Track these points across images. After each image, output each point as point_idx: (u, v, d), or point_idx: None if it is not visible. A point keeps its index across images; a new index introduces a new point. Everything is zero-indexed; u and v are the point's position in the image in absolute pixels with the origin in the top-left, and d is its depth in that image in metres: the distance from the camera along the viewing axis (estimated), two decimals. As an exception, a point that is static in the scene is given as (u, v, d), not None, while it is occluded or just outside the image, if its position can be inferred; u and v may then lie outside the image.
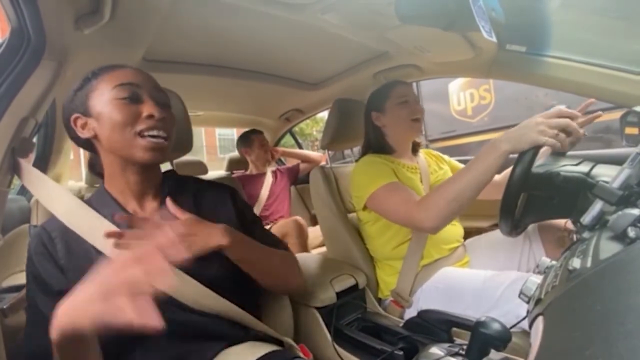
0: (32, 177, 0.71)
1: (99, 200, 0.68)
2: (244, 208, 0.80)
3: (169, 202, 0.64)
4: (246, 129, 2.22)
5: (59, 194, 0.66)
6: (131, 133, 0.60)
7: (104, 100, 0.61)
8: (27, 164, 0.73)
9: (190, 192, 0.74)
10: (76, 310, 0.41)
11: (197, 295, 0.63)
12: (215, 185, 0.79)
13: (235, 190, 0.80)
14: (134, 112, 0.61)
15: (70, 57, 0.88)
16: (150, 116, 0.60)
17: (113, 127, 0.60)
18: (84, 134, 0.64)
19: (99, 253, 0.60)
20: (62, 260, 0.59)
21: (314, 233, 2.01)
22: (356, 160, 1.21)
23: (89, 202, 0.67)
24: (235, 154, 2.27)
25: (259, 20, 0.95)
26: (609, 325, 0.23)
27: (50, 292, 0.58)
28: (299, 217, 1.89)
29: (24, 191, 1.75)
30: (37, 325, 0.57)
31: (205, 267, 0.66)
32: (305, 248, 1.82)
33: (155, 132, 0.61)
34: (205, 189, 0.77)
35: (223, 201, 0.76)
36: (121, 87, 0.61)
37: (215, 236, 0.62)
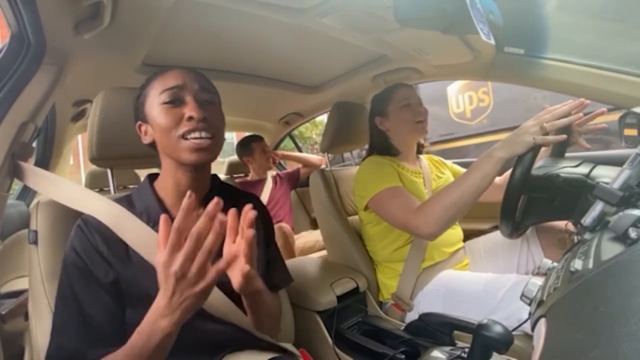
0: (43, 179, 0.71)
1: (139, 194, 0.69)
2: (271, 233, 0.82)
3: (248, 215, 0.56)
4: (246, 133, 2.22)
5: (85, 194, 0.67)
6: (175, 136, 0.61)
7: (154, 106, 0.64)
8: (34, 168, 0.73)
9: (230, 201, 0.73)
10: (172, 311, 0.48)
11: (217, 302, 0.63)
12: (252, 198, 0.81)
13: (267, 210, 0.82)
14: (177, 115, 0.62)
15: (70, 61, 0.88)
16: (190, 118, 0.61)
17: (161, 132, 0.63)
18: (146, 140, 0.67)
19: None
20: (105, 252, 0.60)
21: (315, 237, 2.00)
22: (362, 160, 1.21)
23: (129, 196, 0.69)
24: (235, 157, 2.27)
25: (258, 24, 0.95)
26: (613, 327, 0.23)
27: (99, 284, 0.58)
28: (284, 225, 1.89)
29: (23, 196, 1.75)
30: (72, 318, 0.57)
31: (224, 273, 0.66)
32: (291, 254, 1.82)
33: (197, 134, 0.61)
34: (243, 201, 0.76)
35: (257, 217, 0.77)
36: (166, 92, 0.63)
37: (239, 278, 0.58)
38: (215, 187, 0.73)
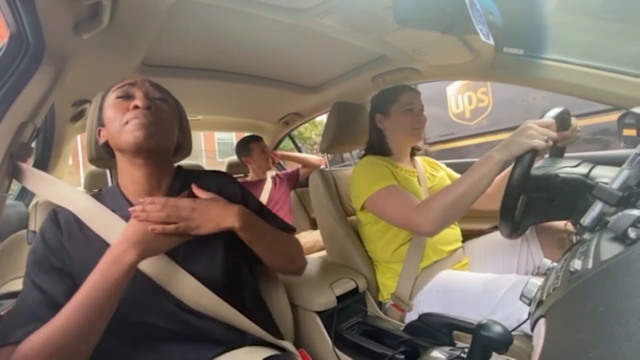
0: (39, 180, 0.72)
1: (109, 195, 0.72)
2: (247, 195, 0.83)
3: (194, 187, 0.70)
4: (245, 134, 2.22)
5: (70, 192, 0.69)
6: (121, 124, 0.64)
7: (108, 105, 0.68)
8: (31, 168, 0.73)
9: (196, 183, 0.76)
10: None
11: (197, 295, 0.64)
12: (219, 173, 0.84)
13: (236, 180, 0.84)
14: (124, 106, 0.66)
15: (70, 62, 0.88)
16: (136, 106, 0.64)
17: (110, 124, 0.67)
18: (101, 140, 0.72)
19: (106, 244, 0.62)
20: (66, 245, 0.63)
21: (315, 237, 2.00)
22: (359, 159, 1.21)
23: (100, 196, 0.71)
24: (234, 158, 2.27)
25: (258, 25, 0.95)
26: (612, 327, 0.23)
27: (52, 269, 0.60)
28: None
29: (22, 196, 1.74)
30: (31, 291, 0.58)
31: (207, 268, 0.67)
32: None
33: (137, 120, 0.63)
34: (211, 178, 0.80)
35: (229, 188, 0.79)
36: (118, 89, 0.68)
37: (229, 217, 0.65)
38: (178, 181, 0.73)
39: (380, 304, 1.16)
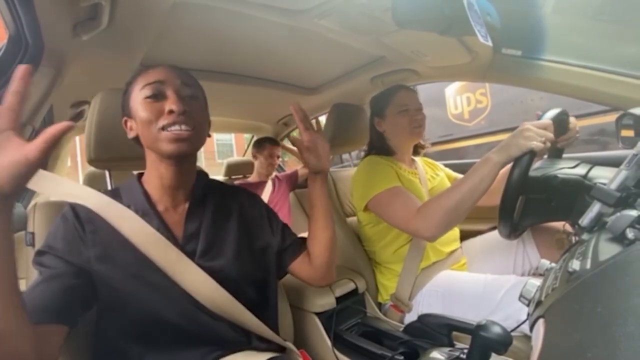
0: (44, 180, 0.70)
1: (126, 188, 0.70)
2: (272, 213, 0.84)
3: None
4: (245, 135, 2.24)
5: (79, 190, 0.68)
6: (156, 129, 0.63)
7: (137, 101, 0.65)
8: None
9: (217, 195, 0.76)
10: None
11: (209, 291, 0.63)
12: (244, 190, 0.83)
13: (261, 199, 0.84)
14: (157, 108, 0.63)
15: (68, 63, 0.88)
16: (171, 111, 0.62)
17: (142, 125, 0.64)
18: (131, 134, 0.68)
19: (124, 239, 0.62)
20: (88, 235, 0.62)
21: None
22: (361, 160, 1.21)
23: (117, 191, 0.70)
24: (234, 158, 2.29)
25: (257, 26, 0.95)
26: (611, 327, 0.23)
27: (66, 257, 0.59)
28: None
29: (20, 197, 1.74)
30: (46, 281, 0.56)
31: (224, 267, 0.67)
32: None
33: (176, 127, 0.62)
34: (235, 192, 0.80)
35: (253, 203, 0.80)
36: (147, 87, 0.65)
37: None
38: (201, 182, 0.74)
39: (379, 305, 1.16)
